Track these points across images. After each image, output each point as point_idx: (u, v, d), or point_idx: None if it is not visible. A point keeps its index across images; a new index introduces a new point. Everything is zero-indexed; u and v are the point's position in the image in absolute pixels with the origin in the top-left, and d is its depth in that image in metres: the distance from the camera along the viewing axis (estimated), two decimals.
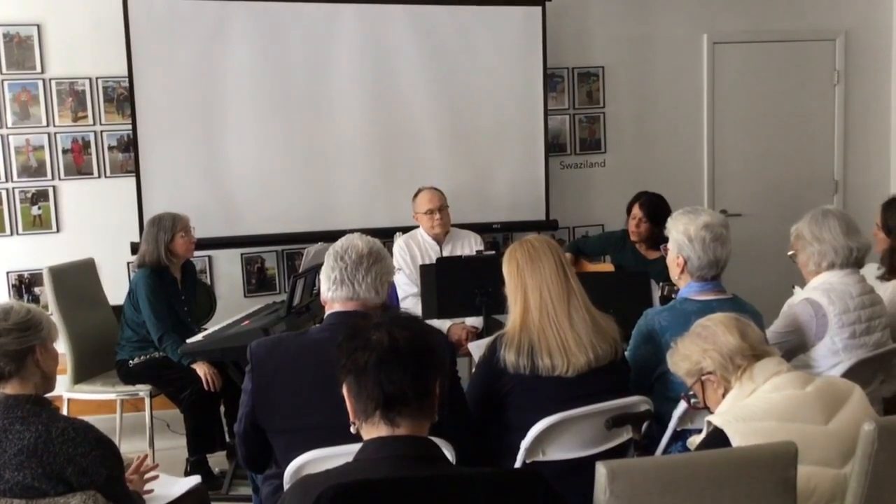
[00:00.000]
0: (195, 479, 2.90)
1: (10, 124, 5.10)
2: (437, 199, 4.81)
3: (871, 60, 6.44)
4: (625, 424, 2.66)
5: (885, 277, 3.66)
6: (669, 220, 3.07)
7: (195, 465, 4.16)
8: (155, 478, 2.73)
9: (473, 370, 3.10)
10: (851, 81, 6.43)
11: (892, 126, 6.51)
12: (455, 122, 5.58)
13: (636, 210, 4.88)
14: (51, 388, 2.30)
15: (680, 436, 2.74)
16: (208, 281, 5.40)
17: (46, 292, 4.43)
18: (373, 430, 1.74)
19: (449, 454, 2.26)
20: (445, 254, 4.77)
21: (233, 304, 5.17)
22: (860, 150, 6.50)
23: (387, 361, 1.70)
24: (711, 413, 2.30)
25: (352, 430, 1.79)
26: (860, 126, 6.48)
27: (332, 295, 2.49)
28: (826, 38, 6.37)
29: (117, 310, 4.47)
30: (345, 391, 1.79)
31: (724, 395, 2.32)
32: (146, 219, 4.53)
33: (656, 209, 4.76)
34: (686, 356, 2.38)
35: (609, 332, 2.67)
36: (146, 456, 2.77)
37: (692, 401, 2.45)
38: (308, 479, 1.76)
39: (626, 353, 2.86)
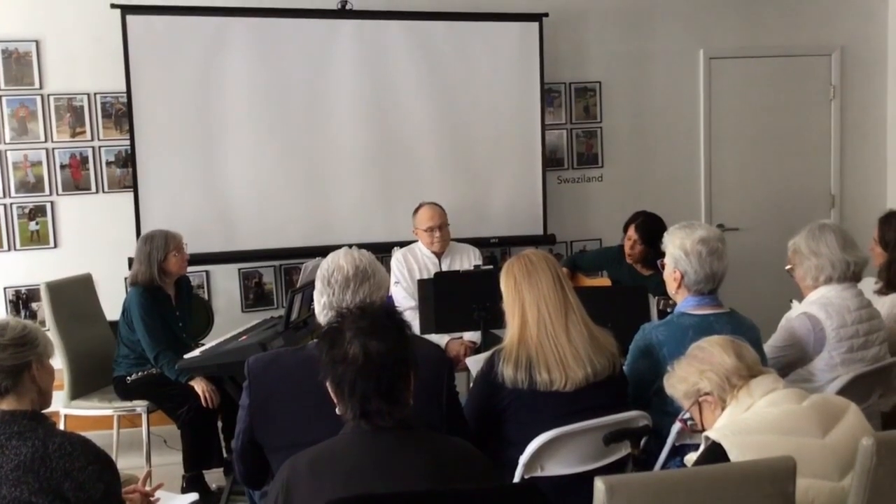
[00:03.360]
0: (193, 497, 2.89)
1: (8, 140, 5.10)
2: (438, 217, 4.80)
3: (866, 75, 6.47)
4: (623, 440, 2.65)
5: (882, 291, 3.67)
6: (666, 234, 3.07)
7: (192, 481, 4.14)
8: (156, 500, 2.70)
9: (471, 385, 3.10)
10: (847, 96, 6.46)
11: (888, 140, 6.53)
12: (453, 137, 5.60)
13: (631, 231, 4.88)
14: (47, 403, 2.29)
15: (678, 451, 2.74)
16: (206, 296, 5.40)
17: (44, 308, 4.42)
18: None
19: None
20: (444, 268, 4.77)
21: (230, 320, 5.15)
22: (856, 165, 6.52)
23: (361, 378, 1.86)
24: None
25: (337, 410, 1.93)
26: (856, 141, 6.51)
27: (325, 320, 2.48)
28: (822, 53, 6.41)
29: (115, 325, 4.45)
30: (328, 386, 1.95)
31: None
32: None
33: (651, 232, 4.71)
34: (683, 378, 2.39)
35: (607, 346, 2.68)
36: (149, 473, 2.74)
37: (689, 423, 2.45)
38: (297, 457, 1.91)
39: (624, 368, 2.86)
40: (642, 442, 2.67)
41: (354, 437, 1.89)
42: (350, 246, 2.63)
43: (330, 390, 1.94)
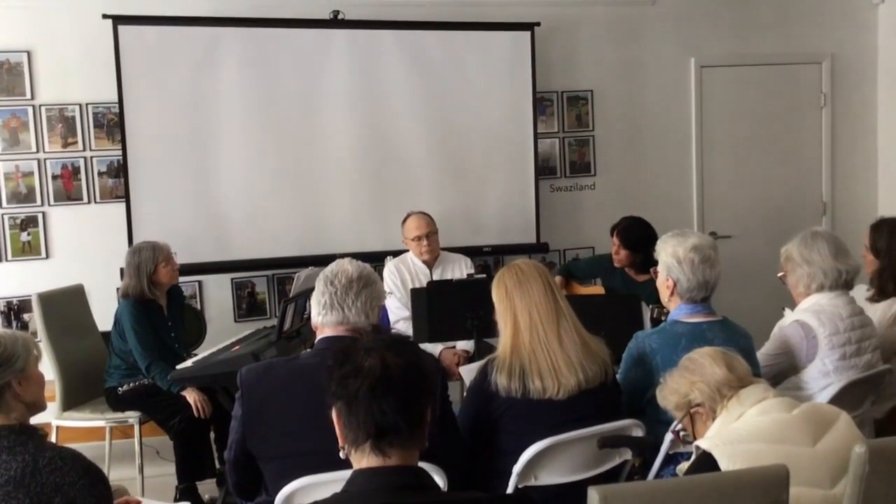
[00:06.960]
0: None
1: None
2: (425, 226, 4.80)
3: (856, 83, 6.49)
4: (618, 447, 2.65)
5: (874, 299, 3.68)
6: (658, 242, 3.08)
7: (185, 492, 4.11)
8: None
9: (465, 394, 3.10)
10: (838, 104, 6.48)
11: (879, 147, 6.56)
12: (445, 146, 5.60)
13: (614, 238, 4.90)
14: (40, 409, 2.28)
15: (672, 459, 2.73)
16: (198, 306, 5.39)
17: (35, 319, 4.41)
18: (363, 459, 1.68)
19: (441, 480, 2.25)
20: (435, 278, 4.77)
21: (223, 330, 5.14)
22: (848, 172, 6.54)
23: (379, 391, 1.64)
24: None
25: (341, 454, 1.72)
26: (847, 148, 6.53)
27: (323, 320, 2.48)
28: (812, 61, 6.43)
29: (107, 336, 4.44)
30: (334, 416, 1.72)
31: None
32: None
33: (633, 237, 4.74)
34: (675, 389, 2.40)
35: (599, 353, 2.68)
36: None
37: (681, 434, 2.46)
38: None
39: (618, 376, 2.85)
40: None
41: (365, 498, 1.64)
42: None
43: (337, 419, 1.71)
